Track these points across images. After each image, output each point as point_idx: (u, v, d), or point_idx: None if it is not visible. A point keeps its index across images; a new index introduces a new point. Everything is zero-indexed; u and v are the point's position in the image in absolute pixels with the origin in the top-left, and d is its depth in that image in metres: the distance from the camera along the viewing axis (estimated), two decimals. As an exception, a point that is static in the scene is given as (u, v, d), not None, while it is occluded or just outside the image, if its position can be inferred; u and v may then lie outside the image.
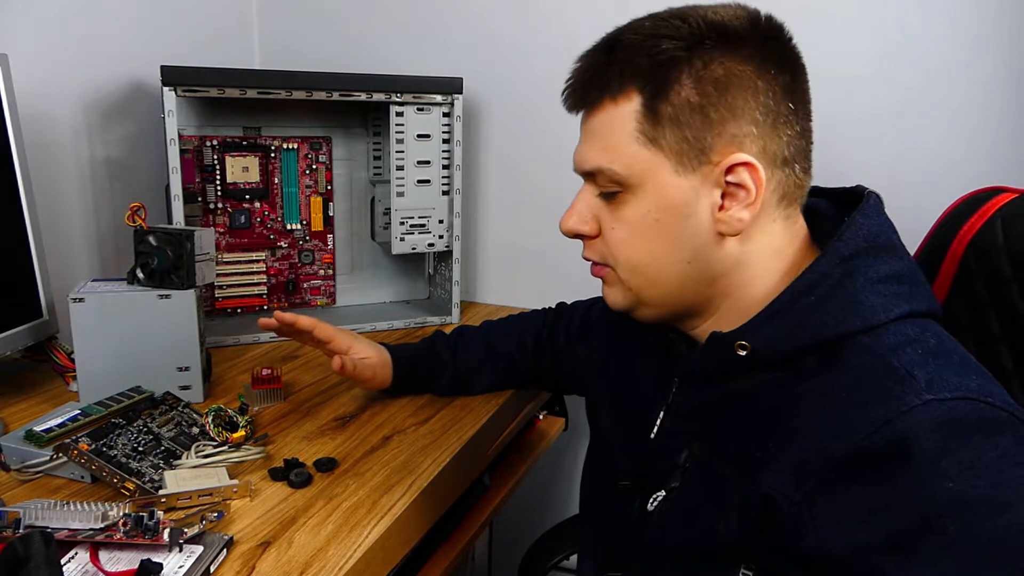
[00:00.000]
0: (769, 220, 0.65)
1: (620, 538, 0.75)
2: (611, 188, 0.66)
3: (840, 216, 0.67)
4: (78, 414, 0.87)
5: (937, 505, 0.52)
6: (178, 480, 0.77)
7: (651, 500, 0.70)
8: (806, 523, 0.56)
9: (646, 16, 0.65)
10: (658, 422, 0.73)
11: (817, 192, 0.72)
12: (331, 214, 1.38)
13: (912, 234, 0.69)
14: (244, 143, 1.28)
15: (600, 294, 1.04)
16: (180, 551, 0.66)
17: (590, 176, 0.68)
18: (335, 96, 1.20)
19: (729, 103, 0.62)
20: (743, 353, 0.63)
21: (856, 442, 0.54)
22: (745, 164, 0.62)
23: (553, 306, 1.11)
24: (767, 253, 0.66)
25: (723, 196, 0.63)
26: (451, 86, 1.27)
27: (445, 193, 1.32)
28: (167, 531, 0.66)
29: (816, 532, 0.56)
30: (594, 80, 0.65)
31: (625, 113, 0.64)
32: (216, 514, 0.72)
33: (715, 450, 0.66)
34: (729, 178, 0.62)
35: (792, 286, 0.63)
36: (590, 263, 0.72)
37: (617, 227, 0.67)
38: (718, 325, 0.68)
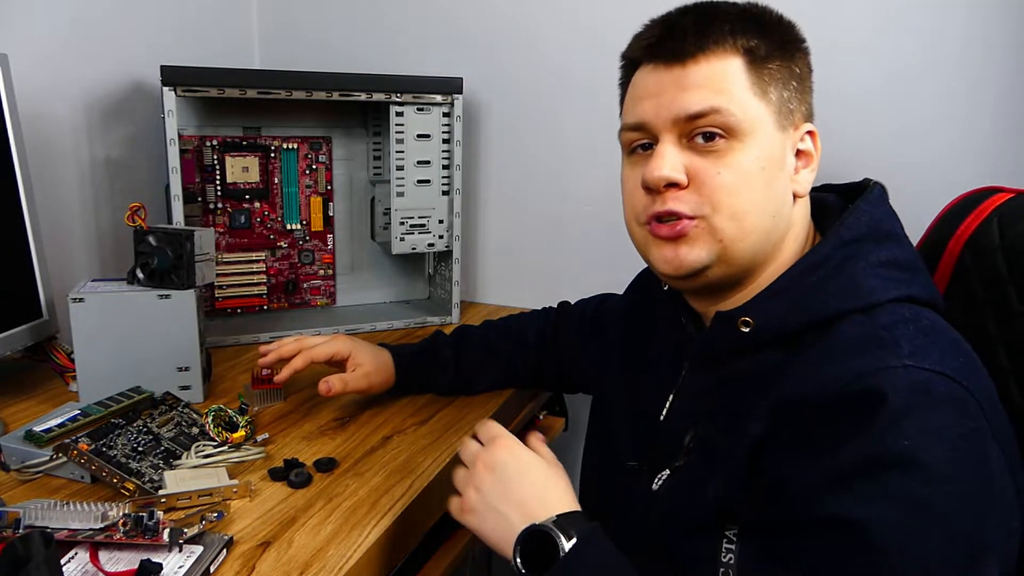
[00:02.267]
0: (808, 191, 0.70)
1: (625, 521, 0.75)
2: (713, 130, 0.65)
3: (846, 207, 0.69)
4: (78, 414, 0.87)
5: (887, 456, 0.54)
6: (178, 480, 0.77)
7: (656, 480, 0.72)
8: (773, 454, 0.60)
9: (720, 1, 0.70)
10: (668, 404, 0.75)
11: (826, 188, 0.76)
12: (331, 214, 1.38)
13: (909, 233, 0.70)
14: (244, 143, 1.28)
15: (598, 293, 1.06)
16: (180, 551, 0.67)
17: (689, 121, 0.65)
18: (335, 96, 1.20)
19: (806, 79, 0.70)
20: (746, 330, 0.66)
21: (832, 390, 0.58)
22: (811, 133, 0.70)
23: (552, 305, 1.12)
24: (803, 223, 0.70)
25: (796, 160, 0.69)
26: (451, 86, 1.27)
27: (445, 193, 1.33)
28: (167, 531, 0.66)
29: (779, 461, 0.60)
30: (705, 32, 0.66)
31: (736, 66, 0.66)
32: (216, 514, 0.72)
33: (716, 427, 0.68)
34: (800, 145, 0.69)
35: (795, 266, 0.67)
36: (662, 220, 0.67)
37: (725, 172, 0.65)
38: (742, 301, 0.70)
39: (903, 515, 0.53)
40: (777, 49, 0.67)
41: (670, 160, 0.66)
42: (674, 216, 0.66)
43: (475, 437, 0.74)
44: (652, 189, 0.67)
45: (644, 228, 0.70)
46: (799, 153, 0.69)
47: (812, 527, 0.56)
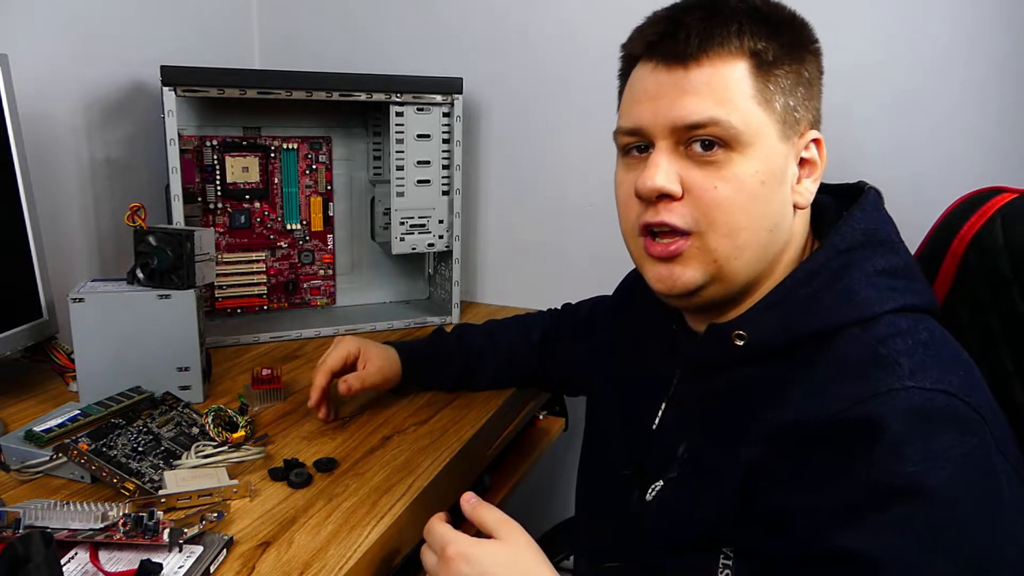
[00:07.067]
0: (810, 202, 0.68)
1: (618, 529, 0.75)
2: (712, 139, 0.63)
3: (841, 211, 0.68)
4: (78, 414, 0.87)
5: (892, 486, 0.53)
6: (178, 480, 0.77)
7: (650, 490, 0.71)
8: (772, 484, 0.59)
9: None
10: (660, 414, 0.74)
11: (820, 188, 0.73)
12: (331, 214, 1.38)
13: (912, 234, 0.70)
14: (244, 143, 1.28)
15: (597, 294, 1.06)
16: (180, 551, 0.66)
17: (689, 130, 0.63)
18: (335, 96, 1.20)
19: (815, 83, 0.67)
20: (740, 343, 0.65)
21: (831, 415, 0.56)
22: (816, 141, 0.67)
23: (556, 307, 1.12)
24: (802, 232, 0.69)
25: (799, 169, 0.67)
26: (451, 86, 1.27)
27: (445, 193, 1.32)
28: (167, 531, 0.66)
29: (779, 492, 0.58)
30: (711, 32, 0.63)
31: (741, 71, 0.63)
32: (216, 514, 0.72)
33: (709, 439, 0.67)
34: (804, 153, 0.67)
35: (790, 277, 0.65)
36: (655, 233, 0.66)
37: (721, 186, 0.63)
38: (737, 314, 0.68)
39: (912, 543, 0.52)
40: (786, 52, 0.64)
41: (664, 169, 0.64)
42: (667, 227, 0.65)
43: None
44: (645, 199, 0.65)
45: (639, 242, 0.68)
46: (803, 162, 0.67)
47: (819, 563, 0.55)
